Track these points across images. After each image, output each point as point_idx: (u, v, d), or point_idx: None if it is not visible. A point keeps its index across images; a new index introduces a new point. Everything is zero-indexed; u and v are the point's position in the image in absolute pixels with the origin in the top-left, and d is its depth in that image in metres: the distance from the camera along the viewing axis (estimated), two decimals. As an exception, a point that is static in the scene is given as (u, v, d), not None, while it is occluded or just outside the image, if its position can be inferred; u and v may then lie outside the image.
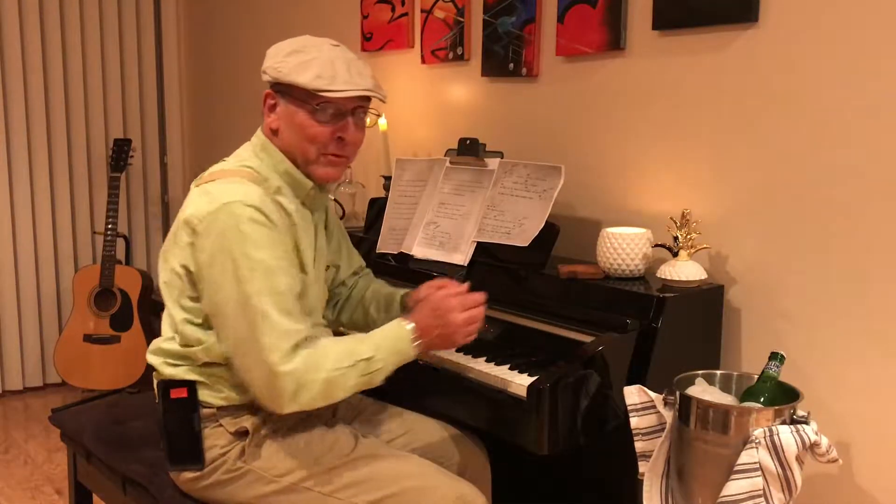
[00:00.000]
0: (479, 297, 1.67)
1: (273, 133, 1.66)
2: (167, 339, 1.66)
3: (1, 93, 3.70)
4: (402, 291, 1.89)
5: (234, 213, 1.51)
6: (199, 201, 1.57)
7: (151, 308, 3.80)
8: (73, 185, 3.96)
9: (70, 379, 3.68)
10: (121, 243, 3.84)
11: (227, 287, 1.51)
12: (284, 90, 1.62)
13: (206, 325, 1.59)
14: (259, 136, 1.69)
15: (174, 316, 1.63)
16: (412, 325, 1.60)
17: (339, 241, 1.94)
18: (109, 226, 3.68)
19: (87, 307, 3.67)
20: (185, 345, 1.62)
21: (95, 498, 2.13)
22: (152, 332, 3.72)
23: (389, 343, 1.58)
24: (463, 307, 1.63)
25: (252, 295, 1.49)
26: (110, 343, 3.66)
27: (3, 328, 3.84)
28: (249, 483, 1.63)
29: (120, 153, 3.76)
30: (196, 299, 1.59)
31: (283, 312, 1.51)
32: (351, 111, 1.65)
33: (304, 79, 1.58)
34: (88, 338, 3.66)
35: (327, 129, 1.63)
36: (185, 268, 1.58)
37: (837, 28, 1.74)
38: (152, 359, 1.69)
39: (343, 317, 1.97)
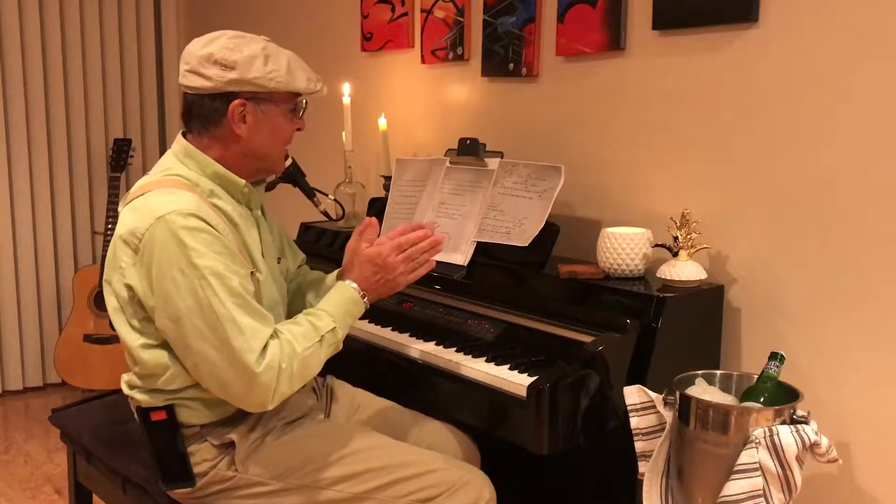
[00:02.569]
0: (414, 236, 1.68)
1: (235, 140, 1.61)
2: (133, 373, 1.64)
3: (1, 93, 3.71)
4: (334, 272, 1.88)
5: (171, 223, 1.47)
6: (131, 218, 1.52)
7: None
8: (73, 185, 3.96)
9: (70, 379, 3.68)
10: (121, 243, 3.84)
11: (182, 301, 1.47)
12: (264, 97, 1.59)
13: (166, 346, 1.55)
14: (179, 143, 1.64)
15: (130, 344, 1.58)
16: (354, 283, 1.64)
17: (281, 236, 1.91)
18: (109, 226, 3.68)
19: (87, 307, 3.67)
20: (150, 374, 1.58)
21: (95, 498, 2.13)
22: (152, 332, 3.72)
23: (342, 308, 1.62)
24: (398, 250, 1.66)
25: (211, 302, 1.46)
26: (110, 343, 3.66)
27: (3, 328, 3.84)
28: (245, 490, 1.63)
29: (120, 153, 3.76)
30: (148, 319, 1.54)
31: (245, 312, 1.49)
32: None
33: (301, 84, 1.61)
34: (88, 338, 3.67)
35: (293, 125, 1.68)
36: (130, 288, 1.53)
37: (837, 28, 1.74)
38: (126, 390, 1.67)
39: (291, 308, 1.94)
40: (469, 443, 1.92)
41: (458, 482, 1.63)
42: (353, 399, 1.92)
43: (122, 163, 3.75)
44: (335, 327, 1.58)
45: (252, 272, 1.60)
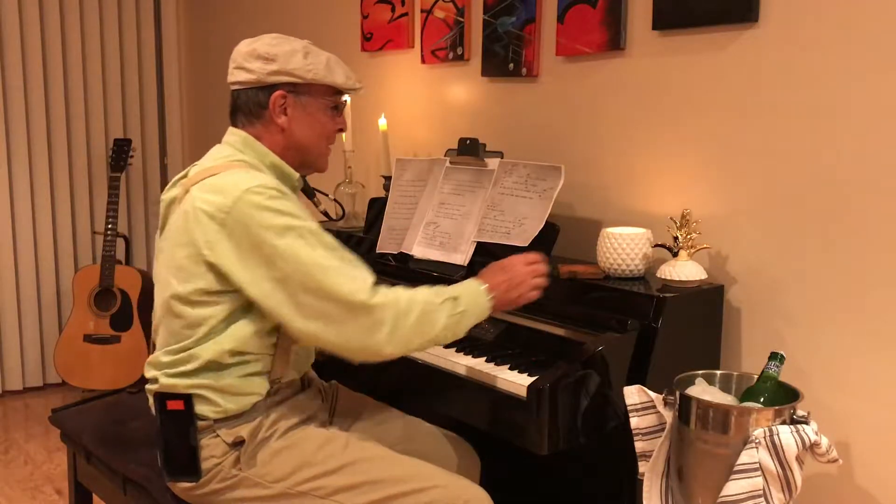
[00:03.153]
0: (538, 255, 1.78)
1: (280, 132, 1.69)
2: (167, 351, 1.64)
3: (1, 93, 3.71)
4: None
5: (258, 194, 1.53)
6: (210, 196, 1.55)
7: (151, 308, 3.80)
8: (73, 185, 3.96)
9: (70, 379, 3.68)
10: (121, 243, 3.84)
11: (285, 261, 1.51)
12: (305, 90, 1.68)
13: (226, 319, 1.58)
14: (237, 134, 1.70)
15: (183, 313, 1.59)
16: (484, 283, 1.67)
17: None
18: (109, 226, 3.68)
19: (87, 307, 3.68)
20: (193, 344, 1.59)
21: (95, 498, 2.14)
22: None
23: (468, 292, 1.64)
24: (526, 261, 1.74)
25: (314, 257, 1.51)
26: (110, 343, 3.66)
27: (3, 328, 3.84)
28: (246, 489, 1.62)
29: (120, 153, 3.76)
30: (223, 292, 1.56)
31: (346, 262, 1.55)
32: None
33: (339, 79, 1.70)
34: (88, 338, 3.66)
35: (336, 124, 1.76)
36: (212, 264, 1.54)
37: (837, 28, 1.74)
38: (151, 371, 1.67)
39: None
40: (469, 450, 1.92)
41: (458, 499, 1.62)
42: (356, 404, 1.92)
43: (122, 163, 3.75)
44: (458, 298, 1.61)
45: None
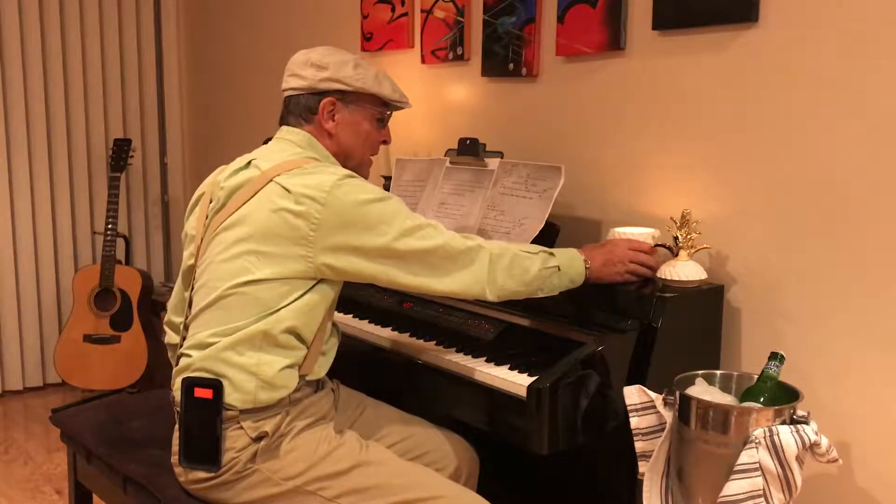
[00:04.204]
0: (646, 244, 1.90)
1: (327, 136, 1.77)
2: (218, 331, 1.62)
3: (1, 93, 3.71)
4: None
5: (347, 182, 1.61)
6: (308, 180, 1.61)
7: (151, 308, 3.81)
8: (73, 185, 3.96)
9: (70, 379, 3.68)
10: (121, 243, 3.84)
11: (391, 224, 1.61)
12: (353, 99, 1.77)
13: (297, 294, 1.61)
14: (299, 133, 1.77)
15: (249, 291, 1.60)
16: (584, 254, 1.81)
17: None
18: (109, 226, 3.68)
19: (87, 307, 3.68)
20: (263, 315, 1.60)
21: (95, 498, 2.13)
22: (152, 332, 3.72)
23: (565, 254, 1.77)
24: (629, 245, 1.87)
25: (411, 217, 1.63)
26: (110, 343, 3.66)
27: (3, 328, 3.84)
28: (254, 484, 1.62)
29: (120, 153, 3.76)
30: (308, 278, 1.62)
31: (432, 221, 1.67)
32: None
33: (386, 91, 1.81)
34: (88, 338, 3.67)
35: (380, 135, 1.86)
36: (307, 236, 1.58)
37: (837, 28, 1.74)
38: (191, 350, 1.65)
39: None
40: (469, 449, 1.92)
41: None
42: (357, 403, 1.92)
43: (122, 163, 3.75)
44: (553, 254, 1.74)
45: None
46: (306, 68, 1.76)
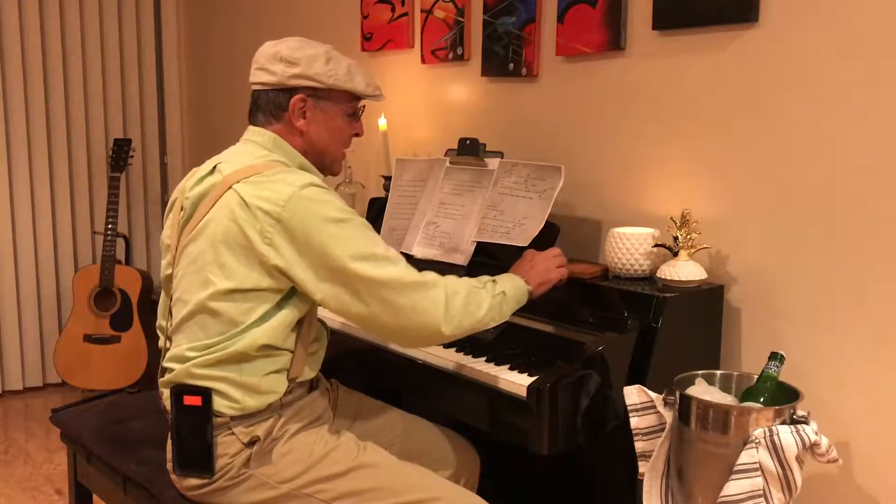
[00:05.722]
0: (555, 248, 1.89)
1: (298, 134, 1.71)
2: (197, 343, 1.62)
3: (1, 93, 3.71)
4: None
5: (312, 191, 1.57)
6: (263, 192, 1.56)
7: (151, 308, 3.80)
8: (73, 185, 3.96)
9: (70, 379, 3.68)
10: (121, 243, 3.84)
11: (344, 248, 1.54)
12: (324, 95, 1.70)
13: (263, 311, 1.58)
14: (264, 134, 1.71)
15: (218, 308, 1.58)
16: (515, 274, 1.77)
17: None
18: (109, 226, 3.68)
19: (87, 307, 3.68)
20: (228, 337, 1.58)
21: (95, 498, 2.13)
22: (152, 332, 3.70)
23: (503, 277, 1.73)
24: (543, 253, 1.86)
25: (367, 244, 1.57)
26: (110, 343, 3.66)
27: (3, 328, 3.84)
28: (251, 488, 1.62)
29: (120, 153, 3.76)
30: (259, 291, 1.57)
31: (387, 245, 1.61)
32: None
33: (360, 86, 1.73)
34: (88, 338, 3.67)
35: (353, 129, 1.79)
36: (264, 259, 1.55)
37: (837, 28, 1.74)
38: (172, 364, 1.65)
39: None
40: (469, 449, 1.92)
41: None
42: (356, 403, 1.92)
43: (122, 163, 3.75)
44: (496, 281, 1.69)
45: None
46: (275, 63, 1.69)
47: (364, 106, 1.80)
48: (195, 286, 1.62)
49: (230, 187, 1.60)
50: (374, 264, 1.55)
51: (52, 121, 3.86)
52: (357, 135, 1.81)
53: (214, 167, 1.68)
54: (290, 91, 1.69)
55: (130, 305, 3.70)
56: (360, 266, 1.54)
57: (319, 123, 1.72)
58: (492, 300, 1.65)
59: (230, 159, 1.68)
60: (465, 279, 1.67)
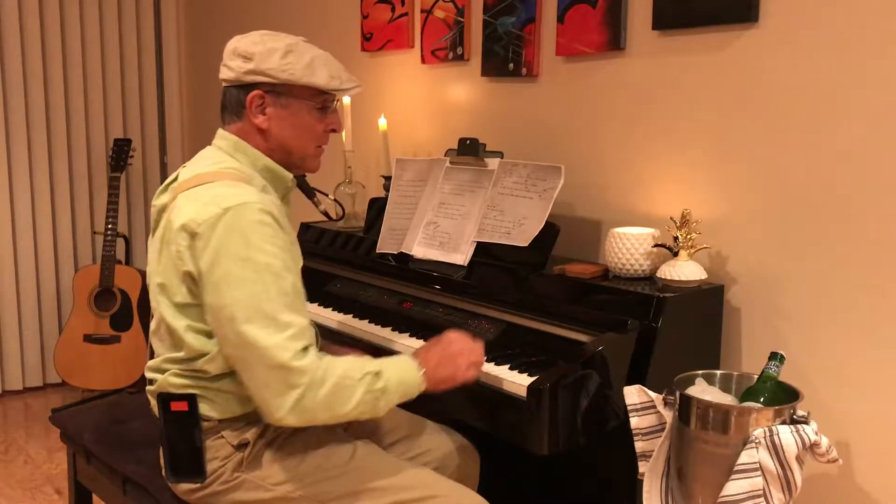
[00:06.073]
0: (479, 341, 1.69)
1: (259, 132, 1.64)
2: (169, 356, 1.62)
3: (1, 93, 3.71)
4: None
5: (238, 216, 1.48)
6: (192, 207, 1.52)
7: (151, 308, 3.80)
8: (73, 185, 3.96)
9: (70, 379, 3.68)
10: (121, 243, 3.84)
11: (232, 290, 1.47)
12: (283, 90, 1.61)
13: (209, 333, 1.56)
14: (227, 138, 1.66)
15: (173, 325, 1.58)
16: (417, 359, 1.60)
17: None
18: (109, 226, 3.68)
19: (87, 307, 3.68)
20: (191, 357, 1.58)
21: (95, 498, 2.13)
22: (152, 332, 3.72)
23: (395, 367, 1.56)
24: (463, 338, 1.66)
25: (261, 297, 1.47)
26: (110, 343, 3.66)
27: (3, 328, 3.84)
28: (245, 492, 1.62)
29: (120, 153, 3.76)
30: (197, 305, 1.55)
31: (291, 311, 1.49)
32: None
33: (321, 80, 1.61)
34: (88, 338, 3.67)
35: (323, 124, 1.68)
36: (187, 274, 1.54)
37: (837, 28, 1.74)
38: (152, 374, 1.66)
39: None
40: (469, 448, 1.91)
41: None
42: None
43: (122, 163, 3.75)
44: (380, 372, 1.52)
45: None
46: (234, 58, 1.61)
47: (337, 100, 1.71)
48: (153, 296, 1.63)
49: (176, 197, 1.58)
50: (257, 324, 1.46)
51: (52, 121, 3.86)
52: (333, 130, 1.71)
53: (178, 175, 1.67)
54: (248, 87, 1.61)
55: (130, 305, 3.70)
56: (240, 314, 1.46)
57: (282, 120, 1.63)
58: (364, 395, 1.50)
59: (192, 165, 1.66)
60: (345, 365, 1.51)
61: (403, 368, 1.57)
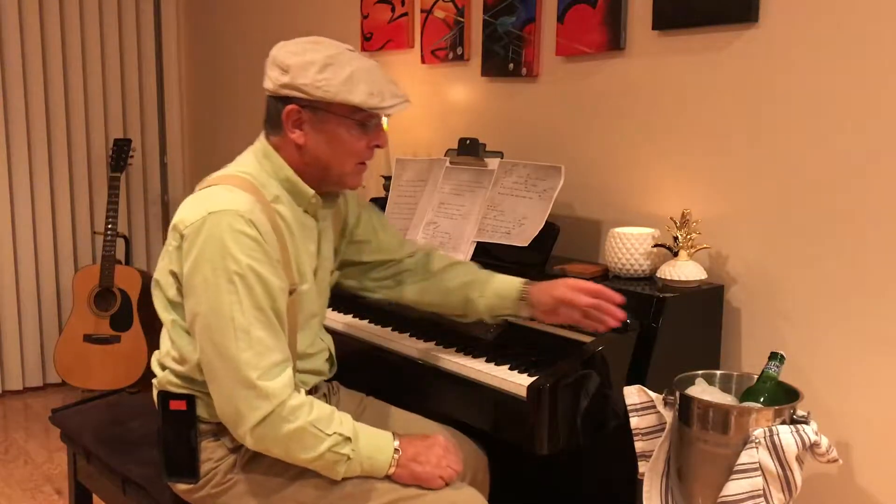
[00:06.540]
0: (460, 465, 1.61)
1: (296, 147, 1.58)
2: (168, 350, 1.63)
3: (1, 93, 3.71)
4: (516, 280, 1.80)
5: (219, 222, 1.46)
6: (186, 208, 1.54)
7: (151, 308, 3.80)
8: (73, 185, 3.96)
9: (70, 379, 3.68)
10: (121, 243, 3.84)
11: (207, 297, 1.46)
12: (321, 106, 1.54)
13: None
14: (262, 143, 1.63)
15: (165, 320, 1.60)
16: (398, 441, 1.55)
17: (372, 230, 1.88)
18: (109, 226, 3.68)
19: (87, 307, 3.67)
20: (181, 360, 1.58)
21: (95, 498, 2.13)
22: (152, 331, 3.72)
23: (370, 441, 1.52)
24: (448, 447, 1.60)
25: (233, 308, 1.45)
26: (110, 343, 3.66)
27: (3, 328, 3.84)
28: (239, 495, 1.61)
29: (120, 153, 3.76)
30: (182, 305, 1.56)
31: (263, 327, 1.47)
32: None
33: (358, 97, 1.52)
34: (88, 338, 3.66)
35: (365, 140, 1.61)
36: (173, 273, 1.55)
37: (837, 28, 1.74)
38: (155, 368, 1.66)
39: (409, 294, 1.89)
40: (475, 449, 1.89)
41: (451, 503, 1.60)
42: (358, 404, 1.90)
43: (122, 163, 3.75)
44: (350, 439, 1.49)
45: (293, 288, 1.59)
46: (273, 68, 1.56)
47: (378, 118, 1.61)
48: (153, 288, 1.64)
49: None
50: (229, 335, 1.44)
51: (52, 121, 3.86)
52: (376, 146, 1.63)
53: None
54: (285, 100, 1.56)
55: (130, 305, 3.69)
56: (213, 322, 1.45)
57: (318, 136, 1.57)
58: (325, 453, 1.47)
59: (228, 165, 1.68)
60: (320, 413, 1.48)
61: (378, 446, 1.53)
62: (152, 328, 3.74)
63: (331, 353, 1.81)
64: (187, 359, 1.57)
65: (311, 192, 1.63)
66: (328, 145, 1.58)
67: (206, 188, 1.58)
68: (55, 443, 3.30)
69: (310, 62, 1.52)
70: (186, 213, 1.52)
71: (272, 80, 1.56)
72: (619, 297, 1.72)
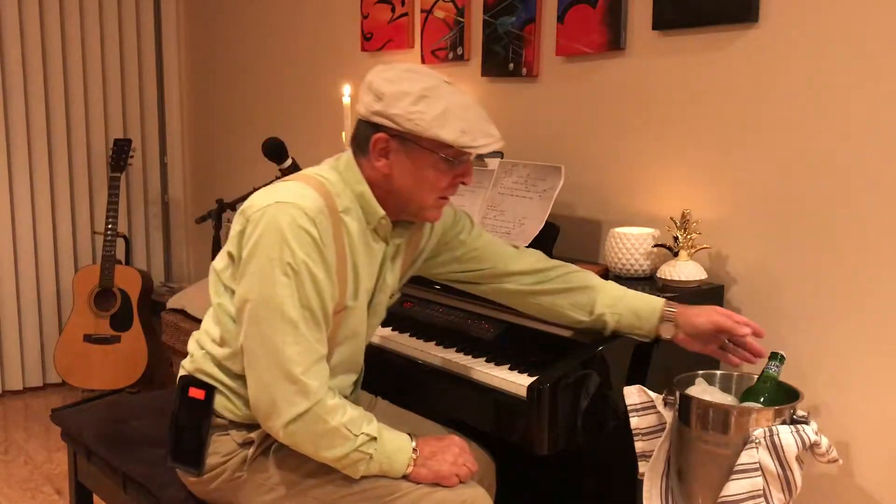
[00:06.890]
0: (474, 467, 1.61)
1: (381, 175, 1.55)
2: (206, 332, 1.63)
3: (1, 93, 3.71)
4: (655, 299, 1.75)
5: (283, 213, 1.46)
6: (258, 194, 1.54)
7: (151, 308, 3.80)
8: (73, 185, 3.96)
9: (70, 379, 3.68)
10: (121, 243, 3.84)
11: (260, 285, 1.47)
12: (409, 137, 1.50)
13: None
14: (348, 156, 1.60)
15: (213, 303, 1.61)
16: (415, 442, 1.56)
17: (469, 251, 1.81)
18: (109, 226, 3.68)
19: (87, 307, 3.68)
20: (222, 342, 1.59)
21: (95, 498, 2.14)
22: (152, 332, 3.73)
23: (391, 442, 1.54)
24: (463, 447, 1.60)
25: (284, 301, 1.46)
26: (110, 343, 3.66)
27: (3, 328, 3.84)
28: (250, 491, 1.62)
29: (120, 153, 3.76)
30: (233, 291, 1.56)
31: (310, 326, 1.48)
32: None
33: (450, 135, 1.48)
34: (88, 338, 3.67)
35: (450, 177, 1.57)
36: (230, 254, 1.56)
37: (837, 28, 1.74)
38: (194, 347, 1.66)
39: (534, 306, 1.83)
40: (483, 455, 1.88)
41: (457, 499, 1.59)
42: (369, 406, 1.90)
43: (122, 163, 3.75)
44: (377, 438, 1.51)
45: (341, 306, 1.57)
46: (367, 92, 1.52)
47: (470, 154, 1.55)
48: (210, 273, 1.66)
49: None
50: (278, 328, 1.45)
51: (52, 121, 3.86)
52: (462, 183, 1.59)
53: None
54: (374, 127, 1.52)
55: (130, 305, 3.70)
56: (261, 312, 1.46)
57: (404, 167, 1.53)
58: (352, 452, 1.49)
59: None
60: (355, 418, 1.50)
61: (398, 448, 1.54)
62: (152, 328, 3.74)
63: (358, 380, 1.79)
64: (228, 343, 1.57)
65: (382, 212, 1.59)
66: (412, 177, 1.55)
67: (280, 181, 1.59)
68: (55, 443, 3.30)
69: (405, 92, 1.49)
70: (256, 199, 1.53)
71: (365, 104, 1.53)
72: (763, 332, 1.70)
